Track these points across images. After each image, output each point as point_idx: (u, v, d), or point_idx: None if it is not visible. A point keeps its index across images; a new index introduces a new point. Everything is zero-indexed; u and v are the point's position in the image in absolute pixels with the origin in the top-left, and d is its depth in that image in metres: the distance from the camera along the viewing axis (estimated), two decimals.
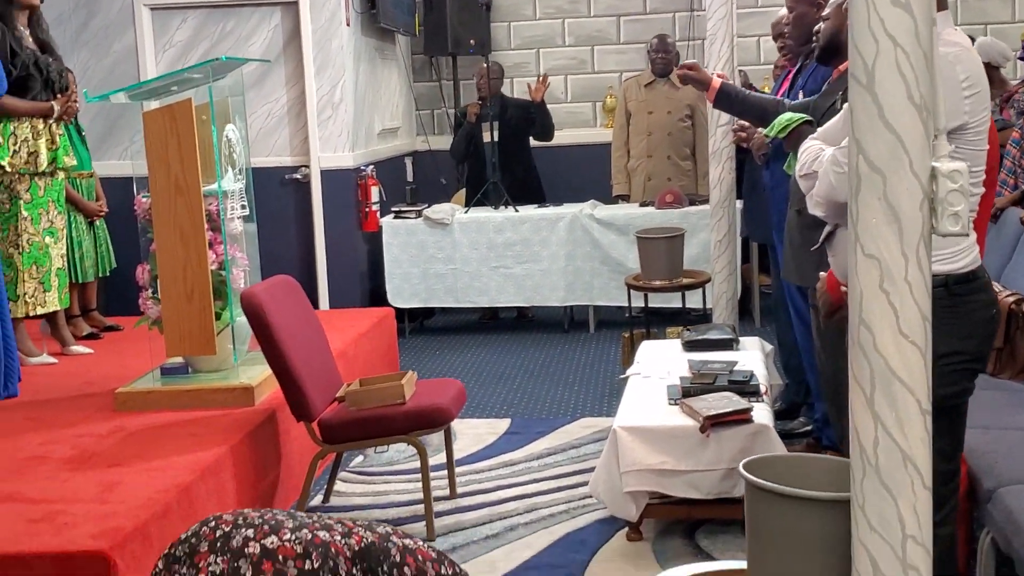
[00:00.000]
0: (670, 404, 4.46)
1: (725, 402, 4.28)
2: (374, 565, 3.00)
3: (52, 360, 5.98)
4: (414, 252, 8.22)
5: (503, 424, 6.02)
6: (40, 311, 5.88)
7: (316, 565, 2.90)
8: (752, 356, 5.08)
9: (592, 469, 5.15)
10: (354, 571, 2.95)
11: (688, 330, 5.48)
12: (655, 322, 6.77)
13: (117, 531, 3.54)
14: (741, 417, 4.20)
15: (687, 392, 4.46)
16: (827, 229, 3.05)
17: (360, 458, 5.55)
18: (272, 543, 2.92)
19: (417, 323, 8.80)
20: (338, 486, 5.12)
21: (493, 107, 8.37)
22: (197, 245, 4.96)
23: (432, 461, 5.37)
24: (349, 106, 8.17)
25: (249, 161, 5.47)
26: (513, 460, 5.44)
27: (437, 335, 8.54)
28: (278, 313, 4.60)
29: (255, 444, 4.65)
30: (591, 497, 4.82)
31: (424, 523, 4.59)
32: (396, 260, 8.24)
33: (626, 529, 4.44)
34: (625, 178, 8.51)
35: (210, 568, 2.87)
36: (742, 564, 2.44)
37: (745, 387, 4.46)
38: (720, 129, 6.18)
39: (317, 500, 5.04)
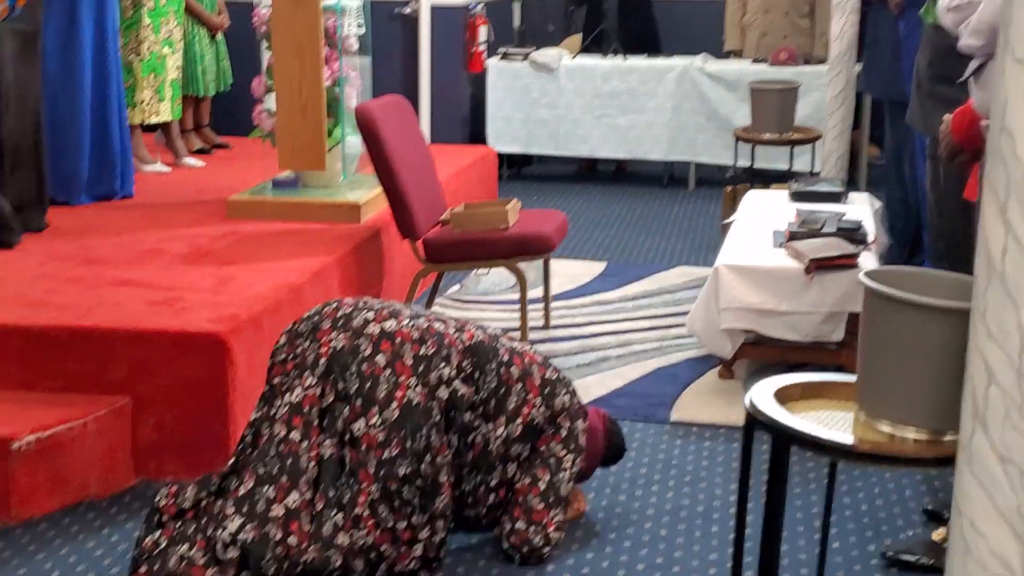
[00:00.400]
0: (775, 247, 4.46)
1: (832, 246, 4.26)
2: (483, 361, 3.08)
3: (165, 169, 6.13)
4: (518, 96, 8.19)
5: (598, 266, 6.06)
6: (154, 120, 6.00)
7: (431, 352, 3.00)
8: (861, 210, 5.02)
9: (687, 313, 5.22)
10: (464, 364, 3.05)
11: (797, 182, 5.42)
12: (759, 182, 6.68)
13: (233, 318, 3.67)
14: (847, 262, 4.19)
15: (793, 236, 4.45)
16: (976, 63, 2.99)
17: (457, 287, 5.64)
18: (391, 326, 3.03)
19: (515, 170, 8.80)
20: (435, 309, 5.22)
21: None
22: (313, 60, 5.00)
23: (530, 294, 5.46)
24: None
25: None
26: (607, 300, 5.50)
27: (534, 183, 8.55)
28: (390, 130, 4.65)
29: (360, 258, 4.75)
30: (685, 337, 4.88)
31: None
32: (499, 103, 8.22)
33: (719, 367, 4.49)
34: (739, 33, 8.33)
35: (331, 343, 2.99)
36: (851, 377, 2.46)
37: (854, 235, 4.43)
38: None
39: None
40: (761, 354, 4.45)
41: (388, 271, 5.06)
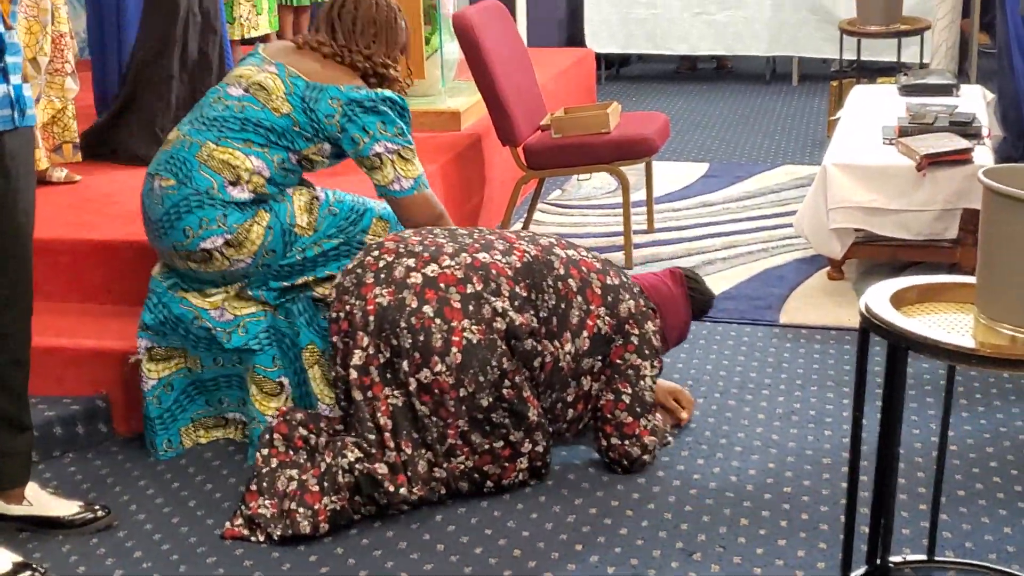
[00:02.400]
0: (885, 144, 4.33)
1: (945, 141, 4.13)
2: (538, 280, 3.01)
3: None
4: None
5: (701, 168, 5.97)
6: (253, 34, 6.01)
7: (479, 288, 2.93)
8: (973, 102, 4.86)
9: (794, 213, 5.12)
10: (517, 289, 2.97)
11: (905, 75, 5.25)
12: (865, 75, 6.49)
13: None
14: (961, 157, 4.06)
15: (904, 132, 4.32)
16: None
17: (558, 192, 5.60)
18: (433, 271, 2.95)
19: (613, 70, 8.68)
20: (537, 215, 5.21)
21: None
22: None
23: (632, 198, 5.40)
24: None
25: None
26: (711, 201, 5.42)
27: (633, 83, 8.43)
28: (489, 36, 4.60)
29: (462, 166, 4.74)
30: (792, 237, 4.80)
31: (623, 252, 4.65)
32: (596, 3, 8.08)
33: (827, 268, 4.41)
34: None
35: (377, 300, 2.93)
36: (969, 279, 2.39)
37: (967, 129, 4.28)
38: None
39: (516, 227, 5.14)
40: (871, 253, 4.36)
41: (489, 178, 5.05)
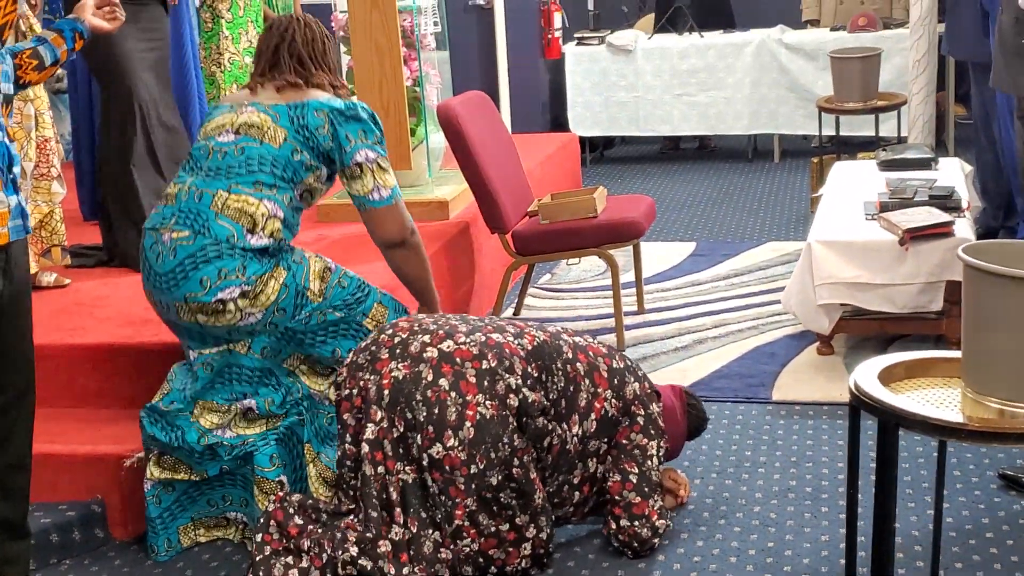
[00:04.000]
0: (867, 219, 4.40)
1: (925, 215, 4.20)
2: (548, 362, 3.06)
3: None
4: (596, 79, 8.17)
5: (688, 247, 6.04)
6: None
7: (493, 365, 2.97)
8: (952, 175, 4.94)
9: (780, 289, 5.17)
10: (529, 369, 3.02)
11: (884, 150, 5.34)
12: (845, 151, 6.59)
13: None
14: (942, 230, 4.12)
15: (885, 207, 4.39)
16: None
17: (548, 276, 5.65)
18: (448, 347, 3.00)
19: (597, 153, 8.79)
20: (527, 300, 5.25)
21: None
22: (393, 60, 5.03)
23: (623, 279, 5.46)
24: None
25: None
26: (699, 280, 5.47)
27: (617, 164, 8.54)
28: (473, 126, 4.68)
29: (451, 255, 4.79)
30: (781, 314, 4.85)
31: (614, 335, 4.68)
32: (578, 88, 8.21)
33: (817, 344, 4.45)
34: (816, 2, 8.24)
35: (392, 373, 2.97)
36: (955, 354, 2.43)
37: (947, 202, 4.36)
38: None
39: (508, 312, 5.18)
40: (859, 328, 4.40)
41: (479, 265, 5.10)
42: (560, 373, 3.05)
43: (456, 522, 2.91)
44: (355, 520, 2.96)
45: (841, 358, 4.36)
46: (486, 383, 2.93)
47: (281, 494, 3.09)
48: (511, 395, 2.94)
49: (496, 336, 3.05)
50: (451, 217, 5.09)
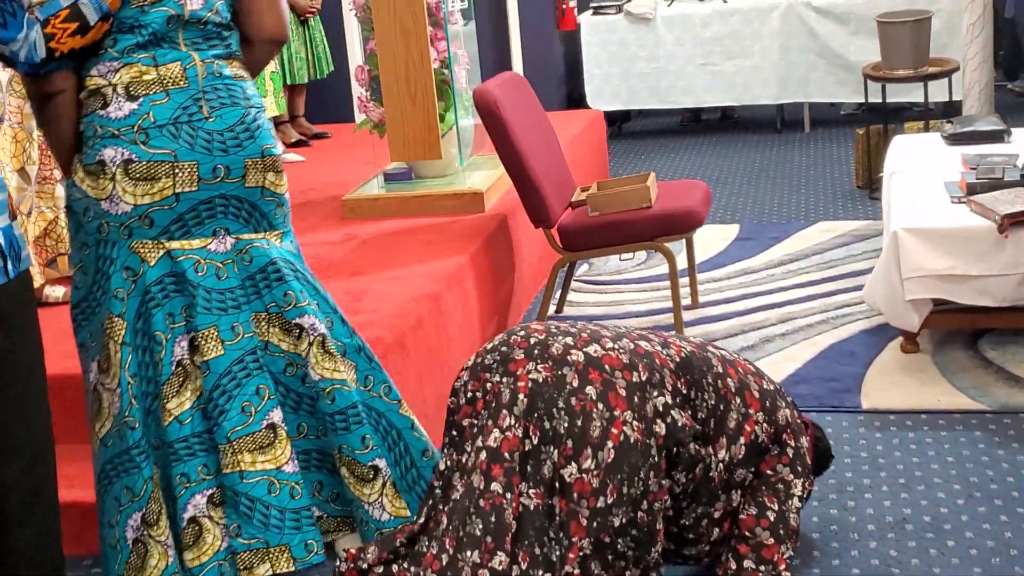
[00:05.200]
0: (954, 203, 4.01)
1: (1022, 197, 3.81)
2: (698, 376, 2.68)
3: None
4: (614, 50, 7.73)
5: (732, 230, 5.64)
6: None
7: (644, 377, 2.59)
8: None
9: (842, 276, 4.82)
10: (678, 385, 2.64)
11: (949, 122, 4.94)
12: (886, 120, 6.17)
13: (377, 342, 3.33)
14: None
15: (972, 188, 3.99)
16: None
17: (585, 267, 5.25)
18: (596, 351, 2.61)
19: (615, 128, 8.36)
20: (570, 296, 4.85)
21: None
22: (419, 42, 4.62)
23: (665, 269, 5.06)
24: None
25: None
26: (752, 268, 5.08)
27: (637, 139, 8.12)
28: (513, 112, 4.27)
29: (491, 252, 4.39)
30: (851, 305, 4.48)
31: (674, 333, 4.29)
32: (595, 60, 7.77)
33: (898, 340, 4.06)
34: None
35: (530, 376, 2.58)
36: None
37: None
38: None
39: (550, 310, 4.78)
40: (948, 322, 4.02)
41: (518, 262, 4.70)
42: (711, 389, 2.67)
43: (567, 568, 2.50)
44: (433, 555, 2.56)
45: (930, 356, 3.98)
46: (636, 399, 2.55)
47: (353, 551, 2.69)
48: (658, 420, 2.56)
49: (644, 344, 2.67)
50: (487, 209, 4.68)
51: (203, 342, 2.66)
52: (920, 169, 4.49)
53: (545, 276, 5.10)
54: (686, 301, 4.68)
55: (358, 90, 5.08)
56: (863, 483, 3.25)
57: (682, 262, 4.77)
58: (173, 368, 2.66)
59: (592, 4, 7.91)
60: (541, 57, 7.80)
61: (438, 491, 2.65)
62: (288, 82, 6.26)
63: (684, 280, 4.71)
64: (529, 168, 4.22)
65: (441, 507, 2.61)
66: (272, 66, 5.71)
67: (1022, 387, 3.71)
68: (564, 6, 7.89)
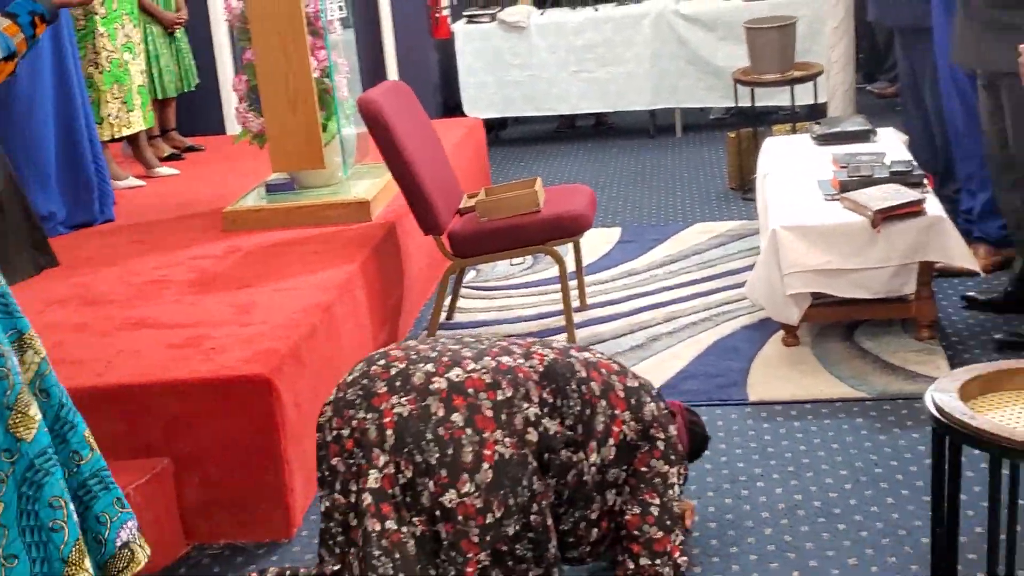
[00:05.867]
0: (828, 200, 4.15)
1: (893, 193, 3.96)
2: (562, 384, 2.70)
3: (140, 183, 5.71)
4: (489, 59, 7.79)
5: (614, 233, 5.73)
6: (125, 132, 5.57)
7: (509, 394, 2.60)
8: (896, 147, 4.73)
9: (722, 275, 4.94)
10: (544, 394, 2.66)
11: (818, 124, 5.11)
12: (750, 122, 6.34)
13: (271, 354, 3.31)
14: (913, 209, 3.89)
15: (845, 186, 4.14)
16: None
17: (473, 274, 5.28)
18: (458, 375, 2.61)
19: (492, 135, 8.41)
20: (459, 303, 4.87)
21: None
22: (299, 51, 4.61)
23: (552, 273, 5.13)
24: None
25: None
26: (635, 269, 5.17)
27: (514, 146, 8.19)
28: (399, 119, 4.28)
29: (380, 261, 4.39)
30: (732, 302, 4.59)
31: (565, 335, 4.35)
32: (470, 68, 7.82)
33: (779, 334, 4.19)
34: None
35: (395, 410, 2.57)
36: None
37: (908, 177, 4.13)
38: None
39: (440, 318, 4.79)
40: (825, 315, 4.16)
41: (407, 270, 4.70)
42: (576, 396, 2.69)
43: None
44: None
45: (809, 348, 4.11)
46: (503, 417, 2.56)
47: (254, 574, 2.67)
48: (530, 429, 2.58)
49: (506, 359, 2.67)
50: (374, 218, 4.68)
51: None
52: (793, 169, 4.63)
53: (432, 283, 5.12)
54: (575, 304, 4.73)
55: (235, 101, 5.02)
56: (755, 472, 3.35)
57: (568, 265, 4.82)
58: None
59: (466, 13, 7.97)
60: (416, 66, 7.82)
61: (340, 536, 2.63)
62: (158, 96, 6.15)
63: (572, 283, 4.77)
64: (417, 176, 4.23)
65: (346, 550, 2.60)
66: (140, 79, 5.62)
67: (897, 375, 3.85)
68: (437, 15, 7.93)
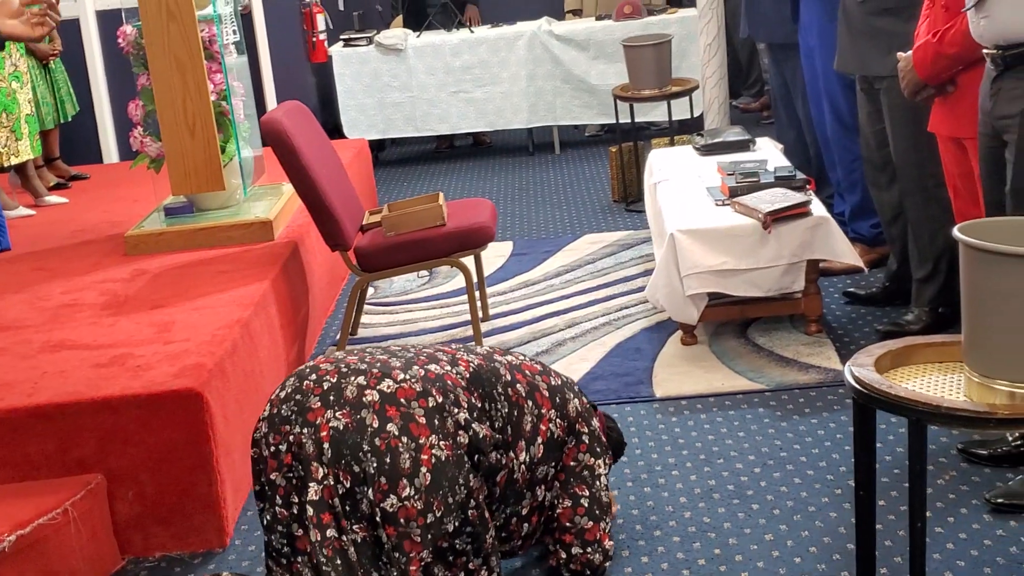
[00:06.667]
0: (718, 205, 4.38)
1: (780, 197, 4.21)
2: (489, 388, 2.83)
3: (30, 212, 5.65)
4: (367, 81, 7.90)
5: (507, 246, 5.89)
6: (14, 161, 5.52)
7: (440, 400, 2.71)
8: (774, 155, 5.00)
9: (616, 281, 5.14)
10: (473, 399, 2.77)
11: (700, 135, 5.37)
12: (627, 137, 6.59)
13: (199, 368, 3.37)
14: (800, 211, 4.15)
15: (735, 191, 4.38)
16: None
17: (372, 291, 5.38)
18: (389, 387, 2.71)
19: (372, 156, 8.51)
20: (363, 319, 4.97)
21: None
22: (196, 75, 4.66)
23: (451, 287, 5.27)
24: None
25: None
26: (532, 280, 5.34)
27: (394, 167, 8.30)
28: (302, 139, 4.37)
29: (288, 278, 4.46)
30: (629, 307, 4.79)
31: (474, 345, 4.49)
32: (349, 91, 7.92)
33: (678, 334, 4.40)
34: None
35: (331, 424, 2.66)
36: (935, 338, 2.39)
37: (792, 182, 4.39)
38: None
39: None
40: (721, 314, 4.38)
41: (311, 287, 4.78)
42: (502, 398, 2.82)
43: None
44: None
45: (708, 346, 4.33)
46: (436, 422, 2.67)
47: None
48: (461, 432, 2.69)
49: (434, 367, 2.79)
50: (276, 237, 4.75)
51: None
52: (681, 178, 4.86)
53: (332, 300, 5.20)
54: (478, 314, 4.87)
55: (118, 126, 5.02)
56: (669, 462, 3.53)
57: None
58: None
59: (342, 36, 8.06)
60: (294, 89, 7.86)
61: (285, 547, 2.70)
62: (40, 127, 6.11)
63: (463, 297, 4.91)
64: (323, 193, 4.32)
65: (293, 559, 2.68)
66: (28, 108, 5.57)
67: (791, 367, 4.09)
68: (314, 39, 8.00)
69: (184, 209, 4.95)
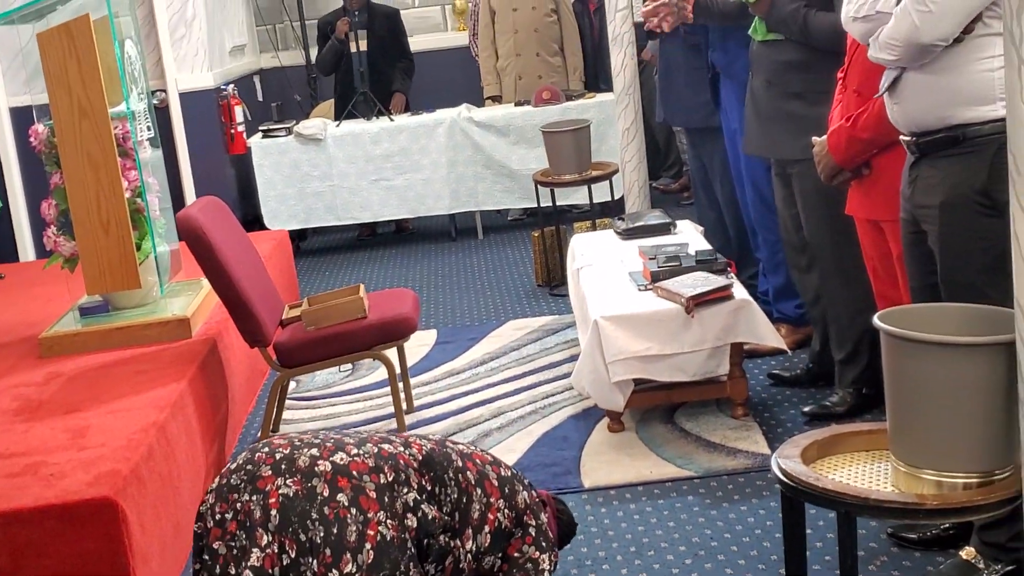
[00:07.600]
0: (640, 290, 4.38)
1: (702, 281, 4.23)
2: (440, 472, 2.80)
3: None
4: (287, 172, 7.86)
5: (430, 335, 5.84)
6: None
7: (391, 478, 2.69)
8: (695, 237, 5.04)
9: (542, 368, 5.12)
10: (423, 481, 2.76)
11: (621, 219, 5.39)
12: (549, 221, 6.62)
13: (114, 475, 3.26)
14: (723, 294, 4.16)
15: (656, 276, 4.38)
16: (892, 76, 2.96)
17: (293, 385, 5.29)
18: (342, 459, 2.69)
19: (293, 247, 8.44)
20: (285, 414, 4.87)
21: (360, 17, 8.04)
22: (109, 172, 4.58)
23: (374, 378, 5.20)
24: (203, 22, 7.71)
25: (148, 80, 5.07)
26: (456, 368, 5.29)
27: (316, 256, 8.25)
28: (218, 235, 4.31)
29: (206, 376, 4.37)
30: (555, 395, 4.76)
31: None
32: (269, 182, 7.87)
33: (605, 420, 4.37)
34: (496, 79, 8.35)
35: (280, 491, 2.62)
36: (859, 426, 2.38)
37: (714, 265, 4.41)
38: (619, 14, 6.07)
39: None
40: (647, 400, 4.37)
41: (231, 382, 4.68)
42: (453, 484, 2.78)
43: None
44: None
45: (635, 433, 4.30)
46: (386, 499, 2.63)
47: None
48: (409, 514, 2.65)
49: (387, 447, 2.76)
50: (194, 334, 4.66)
51: None
52: (603, 263, 4.87)
53: (252, 397, 5.11)
54: (401, 407, 4.80)
55: (33, 224, 4.92)
56: (599, 555, 3.48)
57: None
58: None
59: (261, 127, 8.03)
60: (213, 182, 7.78)
61: None
62: None
63: (385, 389, 4.84)
64: (241, 289, 4.25)
65: None
66: None
67: (719, 452, 4.07)
68: (232, 131, 7.95)
69: (100, 308, 4.84)
